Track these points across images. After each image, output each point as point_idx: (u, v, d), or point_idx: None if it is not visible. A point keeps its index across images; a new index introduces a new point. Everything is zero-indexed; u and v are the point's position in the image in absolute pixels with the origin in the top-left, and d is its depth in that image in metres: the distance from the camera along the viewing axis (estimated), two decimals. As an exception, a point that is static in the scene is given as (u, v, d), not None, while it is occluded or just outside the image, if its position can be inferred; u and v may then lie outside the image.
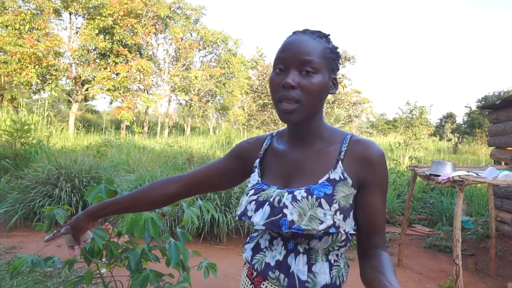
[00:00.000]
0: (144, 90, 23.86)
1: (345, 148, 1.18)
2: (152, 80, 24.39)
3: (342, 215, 1.11)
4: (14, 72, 18.56)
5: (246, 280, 1.28)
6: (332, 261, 1.17)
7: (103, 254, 2.94)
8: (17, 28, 18.76)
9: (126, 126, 21.19)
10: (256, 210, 1.17)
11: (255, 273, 1.24)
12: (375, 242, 1.17)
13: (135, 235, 2.72)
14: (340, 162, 1.16)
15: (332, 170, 1.15)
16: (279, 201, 1.13)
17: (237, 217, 1.24)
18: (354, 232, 1.16)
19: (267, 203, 1.15)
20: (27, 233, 5.37)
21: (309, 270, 1.14)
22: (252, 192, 1.22)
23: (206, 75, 24.34)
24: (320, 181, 1.14)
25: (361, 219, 1.17)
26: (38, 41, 18.76)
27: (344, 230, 1.11)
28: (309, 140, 1.22)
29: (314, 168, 1.18)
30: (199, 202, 3.24)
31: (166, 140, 16.11)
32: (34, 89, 21.00)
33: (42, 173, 6.04)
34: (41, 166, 6.25)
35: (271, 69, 1.40)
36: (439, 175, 4.35)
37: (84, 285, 3.50)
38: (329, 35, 1.21)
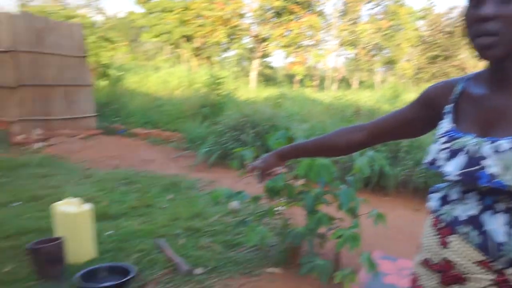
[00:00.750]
0: (315, 46, 23.85)
1: None
2: (322, 36, 24.18)
3: None
4: (208, 33, 20.36)
5: (431, 230, 1.10)
6: None
7: (283, 194, 3.17)
8: (210, -6, 20.34)
9: (299, 80, 21.68)
10: (449, 159, 1.00)
11: (443, 224, 1.06)
12: None
13: (310, 178, 2.84)
14: None
15: None
16: (477, 151, 0.95)
17: (424, 166, 1.08)
18: None
19: (463, 152, 0.97)
20: (223, 170, 6.04)
21: (508, 232, 0.93)
22: (444, 139, 1.04)
23: (373, 28, 23.10)
24: None
25: None
26: (226, 5, 20.07)
27: None
28: None
29: None
30: (369, 152, 3.19)
31: (334, 94, 16.02)
32: (224, 48, 22.81)
33: (232, 120, 6.62)
34: (231, 114, 6.85)
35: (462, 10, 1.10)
36: None
37: (267, 219, 3.82)
38: None
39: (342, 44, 24.74)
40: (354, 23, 24.41)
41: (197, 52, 24.26)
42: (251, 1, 21.70)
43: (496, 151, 0.91)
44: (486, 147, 0.94)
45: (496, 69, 1.01)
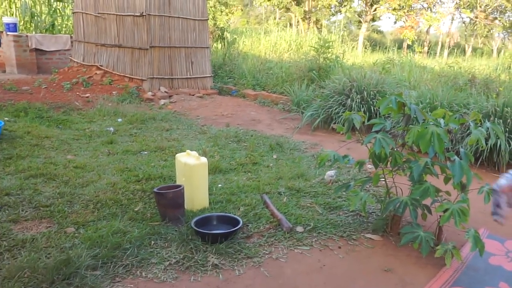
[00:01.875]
0: (428, 8, 21.61)
1: None
2: (438, -3, 21.78)
3: None
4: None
5: None
6: None
7: (388, 161, 2.98)
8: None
9: (408, 45, 20.02)
10: None
11: None
12: None
13: (420, 147, 2.60)
14: None
15: None
16: None
17: None
18: None
19: None
20: (325, 134, 5.92)
21: None
22: None
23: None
24: None
25: None
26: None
27: None
28: None
29: None
30: (487, 124, 2.82)
31: (446, 60, 14.51)
32: (333, 12, 21.84)
33: (338, 84, 6.38)
34: (338, 78, 6.60)
35: None
36: None
37: (369, 186, 3.67)
38: None
39: (458, 7, 22.03)
40: (476, -18, 21.48)
41: (306, 15, 23.62)
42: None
43: None
44: None
45: None
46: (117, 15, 8.09)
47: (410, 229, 2.68)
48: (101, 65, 8.48)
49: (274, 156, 4.59)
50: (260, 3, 22.70)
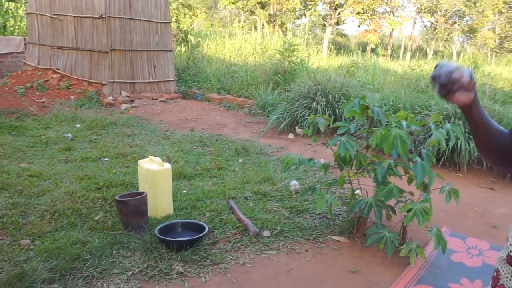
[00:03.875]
0: (391, 13, 22.37)
1: None
2: (398, 2, 22.56)
3: None
4: (282, 0, 19.88)
5: None
6: None
7: (353, 164, 3.06)
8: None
9: (371, 48, 20.63)
10: None
11: None
12: None
13: (384, 149, 2.69)
14: None
15: None
16: None
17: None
18: None
19: None
20: (291, 137, 5.98)
21: None
22: None
23: (455, -7, 21.11)
24: None
25: None
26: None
27: None
28: None
29: None
30: (447, 125, 2.95)
31: (409, 63, 15.05)
32: (297, 15, 22.20)
33: (303, 87, 6.48)
34: (303, 81, 6.70)
35: None
36: None
37: (335, 188, 3.74)
38: None
39: (419, 11, 22.95)
40: (435, -13, 22.45)
41: (271, 19, 23.88)
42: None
43: None
44: None
45: None
46: (74, 16, 7.88)
47: (376, 230, 2.76)
48: (57, 69, 8.22)
49: (240, 161, 4.61)
50: (225, 6, 22.75)
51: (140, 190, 3.14)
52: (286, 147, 5.43)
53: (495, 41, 23.64)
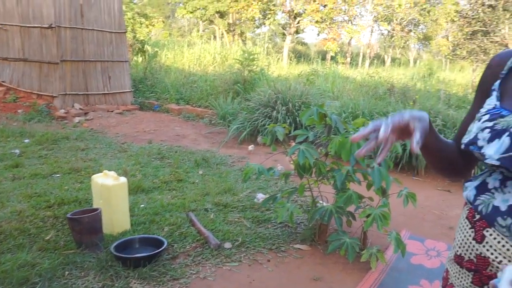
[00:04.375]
0: (349, 21, 23.11)
1: None
2: (356, 11, 23.37)
3: None
4: (242, 9, 20.10)
5: (465, 222, 0.99)
6: None
7: (312, 171, 3.12)
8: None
9: (331, 56, 21.18)
10: (491, 140, 0.87)
11: (477, 216, 0.94)
12: None
13: (342, 157, 2.78)
14: None
15: None
16: None
17: (463, 146, 0.95)
18: None
19: (507, 133, 0.85)
20: (252, 147, 6.01)
21: None
22: (486, 117, 0.91)
23: (410, 2, 22.11)
24: None
25: None
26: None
27: None
28: None
29: None
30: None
31: (367, 71, 15.58)
32: (257, 24, 22.50)
33: (263, 96, 6.56)
34: (263, 91, 6.78)
35: None
36: None
37: (296, 196, 3.79)
38: None
39: (376, 20, 23.85)
40: (391, -3, 23.43)
41: (231, 28, 24.06)
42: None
43: None
44: None
45: None
46: (21, 26, 7.62)
47: (336, 236, 2.83)
48: (3, 81, 7.89)
49: (200, 172, 4.59)
50: (183, 15, 22.71)
51: (94, 206, 3.05)
52: (247, 156, 5.46)
53: (449, 48, 24.89)
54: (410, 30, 25.59)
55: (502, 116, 0.89)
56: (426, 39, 27.31)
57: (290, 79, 9.53)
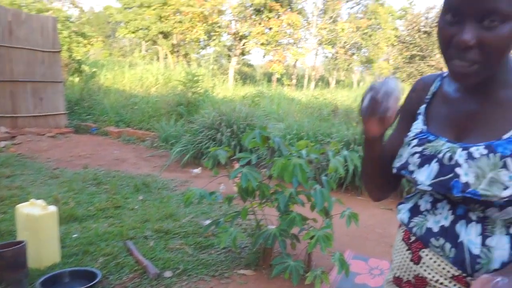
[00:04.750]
0: (294, 44, 23.90)
1: None
2: (301, 34, 24.25)
3: None
4: (186, 30, 20.19)
5: (402, 244, 1.03)
6: None
7: (256, 194, 3.14)
8: (189, -10, 20.19)
9: (277, 78, 21.71)
10: (421, 165, 0.93)
11: (413, 238, 0.99)
12: None
13: (284, 179, 2.82)
14: None
15: None
16: (450, 158, 0.88)
17: (394, 170, 1.00)
18: None
19: (435, 159, 0.91)
20: (196, 170, 5.96)
21: (483, 243, 0.87)
22: (415, 142, 0.97)
23: (352, 27, 23.34)
24: (505, 136, 0.85)
25: None
26: (205, 1, 19.94)
27: None
28: (489, 87, 0.92)
29: (496, 121, 0.89)
30: (344, 152, 3.20)
31: (312, 92, 16.10)
32: (202, 45, 22.66)
33: (207, 119, 6.56)
34: (207, 113, 6.79)
35: (439, 14, 0.93)
36: None
37: (240, 219, 3.79)
38: None
39: (321, 43, 24.88)
40: (334, 21, 24.57)
41: (175, 49, 24.03)
42: (231, -2, 21.65)
43: (469, 158, 0.86)
44: (459, 154, 0.88)
45: None
46: None
47: (280, 260, 2.84)
48: None
49: (140, 197, 4.46)
50: (124, 35, 22.39)
51: (19, 238, 2.86)
52: (191, 180, 5.40)
53: (390, 71, 26.39)
54: (353, 53, 26.94)
55: (430, 141, 0.95)
56: (368, 62, 28.86)
57: (236, 101, 9.62)
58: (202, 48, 23.83)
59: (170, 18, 21.05)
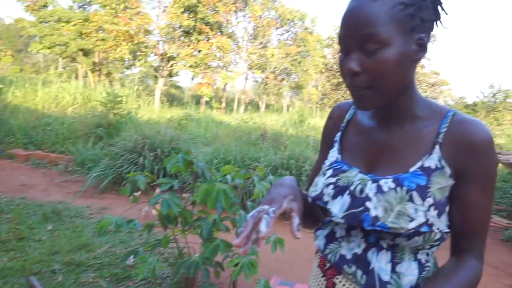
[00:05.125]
0: (223, 67, 24.23)
1: (445, 129, 0.92)
2: (231, 58, 24.69)
3: (436, 211, 0.89)
4: (110, 48, 19.69)
5: (318, 271, 1.08)
6: (423, 261, 0.95)
7: (178, 221, 3.06)
8: (113, 7, 19.80)
9: (206, 101, 21.77)
10: (335, 196, 0.96)
11: (328, 265, 1.04)
12: (464, 245, 0.95)
13: (208, 205, 2.79)
14: (437, 146, 0.91)
15: (427, 156, 0.91)
16: (361, 190, 0.93)
17: (310, 199, 1.03)
18: (449, 230, 0.95)
19: (348, 191, 0.95)
20: (115, 196, 5.73)
21: (393, 270, 0.92)
22: (330, 172, 1.01)
23: (282, 53, 24.23)
24: (411, 170, 0.91)
25: (454, 215, 0.93)
26: (131, 19, 19.67)
27: (438, 229, 0.90)
28: (398, 119, 0.97)
29: (404, 153, 0.95)
30: (270, 177, 3.24)
31: (242, 116, 16.32)
32: (127, 65, 22.18)
33: (129, 142, 6.35)
34: (129, 135, 6.58)
35: None
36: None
37: (162, 249, 3.67)
38: None
39: (251, 67, 25.48)
40: (264, 47, 25.36)
41: (96, 67, 23.27)
42: (158, 19, 21.54)
43: (378, 192, 0.91)
44: (369, 187, 0.92)
45: (379, 109, 1.00)
46: None
47: (203, 289, 2.77)
48: None
49: (49, 227, 4.16)
50: (38, 50, 21.27)
51: None
52: (110, 207, 5.16)
53: (318, 97, 27.62)
54: (283, 79, 27.90)
55: (343, 171, 0.99)
56: (298, 88, 30.04)
57: (161, 123, 9.46)
58: (127, 68, 23.30)
59: (92, 35, 20.44)
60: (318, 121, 19.97)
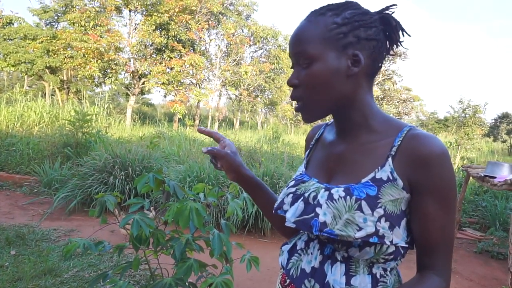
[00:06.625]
0: (196, 85, 24.23)
1: (399, 143, 0.95)
2: (204, 75, 24.72)
3: (388, 223, 0.91)
4: (79, 66, 19.44)
5: None
6: (378, 276, 0.96)
7: (150, 242, 3.00)
8: (83, 25, 19.66)
9: (179, 119, 21.65)
10: (292, 204, 1.01)
11: (288, 281, 1.08)
12: (426, 261, 0.96)
13: (180, 224, 2.74)
14: (390, 159, 0.94)
15: (380, 168, 0.94)
16: (314, 197, 0.97)
17: (273, 210, 1.07)
18: (407, 246, 0.96)
19: (302, 198, 1.00)
20: (84, 218, 5.58)
21: (347, 283, 0.95)
22: (292, 183, 1.07)
23: (256, 70, 24.41)
24: (363, 180, 0.94)
25: (414, 230, 0.96)
26: (101, 37, 19.52)
27: (391, 241, 0.91)
28: (353, 131, 1.03)
29: (358, 164, 0.99)
30: (244, 194, 3.22)
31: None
32: (96, 83, 21.92)
33: (99, 161, 6.24)
34: (98, 154, 6.46)
35: None
36: (495, 177, 4.09)
37: (133, 271, 3.58)
38: (345, 4, 0.99)
39: (224, 84, 25.56)
40: (237, 64, 25.53)
41: (64, 85, 22.90)
42: (129, 36, 21.44)
43: (329, 199, 0.94)
44: (321, 194, 0.96)
45: (335, 121, 1.07)
46: None
47: (176, 313, 2.70)
48: None
49: (13, 252, 4.01)
50: (2, 68, 20.79)
51: None
52: (78, 229, 5.02)
53: (292, 113, 27.86)
54: (257, 96, 28.08)
55: (304, 182, 1.05)
56: (272, 104, 30.28)
57: (133, 142, 9.33)
58: (97, 86, 23.01)
59: (59, 52, 20.15)
60: (293, 137, 20.14)
